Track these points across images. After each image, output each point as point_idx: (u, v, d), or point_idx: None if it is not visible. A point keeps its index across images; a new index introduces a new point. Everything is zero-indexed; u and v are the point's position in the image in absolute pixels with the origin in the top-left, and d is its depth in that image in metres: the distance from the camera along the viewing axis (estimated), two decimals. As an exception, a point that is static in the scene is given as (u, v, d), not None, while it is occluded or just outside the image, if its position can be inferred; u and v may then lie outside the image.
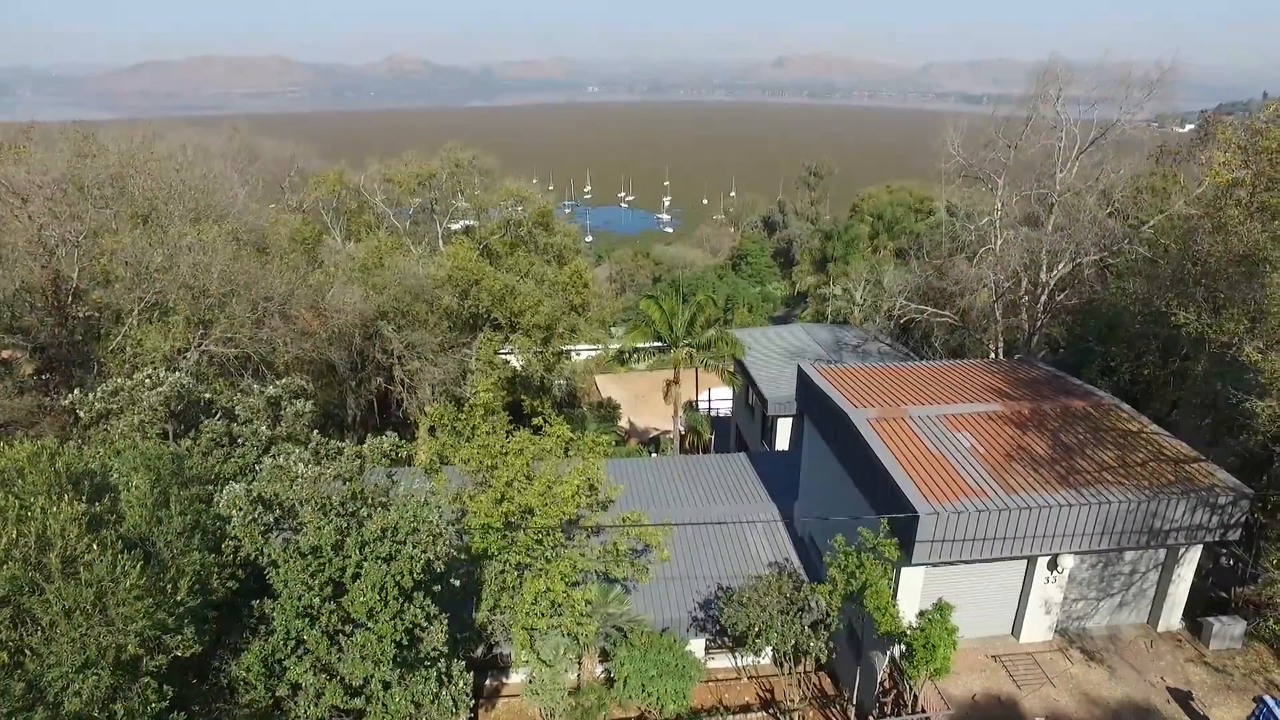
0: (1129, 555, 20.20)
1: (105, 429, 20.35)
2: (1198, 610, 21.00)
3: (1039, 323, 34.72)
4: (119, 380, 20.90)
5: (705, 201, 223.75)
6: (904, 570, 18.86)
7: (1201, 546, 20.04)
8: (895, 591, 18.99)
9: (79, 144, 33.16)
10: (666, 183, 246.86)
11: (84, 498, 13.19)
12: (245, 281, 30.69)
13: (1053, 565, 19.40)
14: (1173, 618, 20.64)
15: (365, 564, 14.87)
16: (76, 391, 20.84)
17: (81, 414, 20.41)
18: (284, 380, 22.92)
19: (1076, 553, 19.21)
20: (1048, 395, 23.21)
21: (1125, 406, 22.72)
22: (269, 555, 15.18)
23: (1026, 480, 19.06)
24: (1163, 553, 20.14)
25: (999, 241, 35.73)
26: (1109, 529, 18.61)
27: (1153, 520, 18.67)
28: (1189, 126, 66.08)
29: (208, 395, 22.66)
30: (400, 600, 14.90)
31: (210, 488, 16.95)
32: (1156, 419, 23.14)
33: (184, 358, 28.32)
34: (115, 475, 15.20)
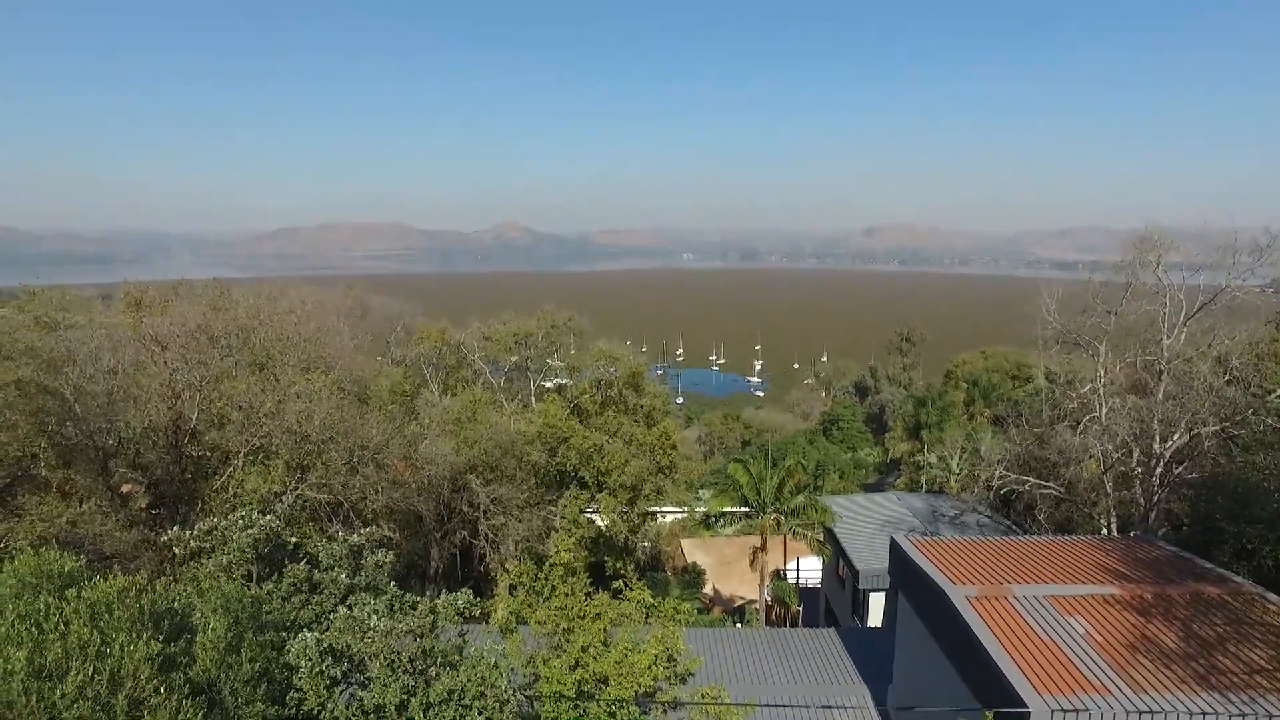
0: (1294, 779, 17.25)
1: (195, 567, 20.83)
2: None
3: (1156, 497, 32.10)
4: (214, 519, 21.60)
5: (796, 366, 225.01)
6: (1016, 776, 16.63)
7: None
8: (1007, 802, 16.67)
9: (215, 298, 36.56)
10: (758, 346, 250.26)
11: (162, 637, 13.27)
12: (344, 429, 32.01)
13: (1197, 784, 16.72)
14: None
15: (427, 727, 14.19)
16: (175, 528, 21.59)
17: (177, 550, 21.02)
18: (368, 529, 23.18)
19: (1226, 770, 16.55)
20: (1174, 579, 20.96)
21: (1272, 596, 20.18)
22: (331, 711, 14.72)
23: (1157, 678, 16.84)
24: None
25: (1104, 410, 33.92)
26: (1265, 745, 16.04)
27: (1321, 738, 16.01)
28: (1309, 294, 62.94)
29: (295, 539, 23.08)
30: (460, 770, 14.05)
31: (284, 634, 16.85)
32: (1311, 614, 20.40)
33: (280, 500, 29.27)
34: (196, 615, 15.34)
